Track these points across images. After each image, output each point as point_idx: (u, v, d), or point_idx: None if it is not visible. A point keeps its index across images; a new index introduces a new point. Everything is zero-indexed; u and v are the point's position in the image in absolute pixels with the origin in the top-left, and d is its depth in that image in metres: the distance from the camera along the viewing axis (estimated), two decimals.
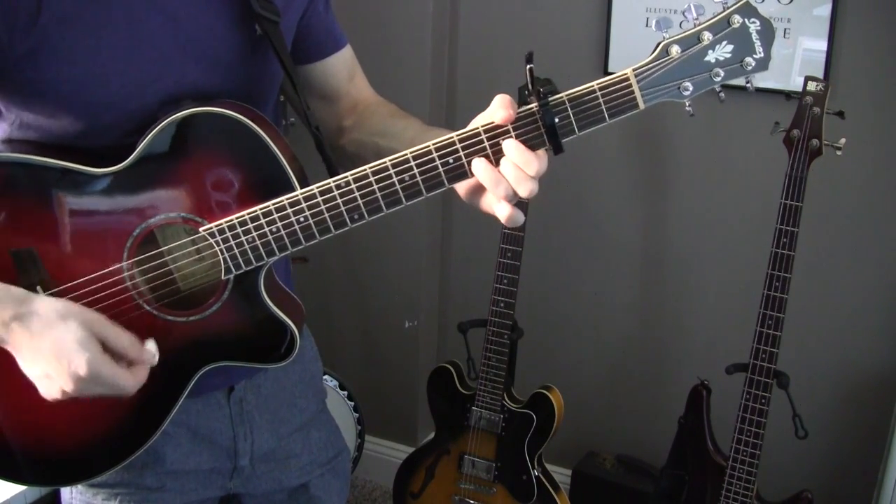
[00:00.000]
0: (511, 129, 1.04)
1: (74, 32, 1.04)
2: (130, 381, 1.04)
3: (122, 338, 1.05)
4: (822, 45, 2.04)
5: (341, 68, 1.35)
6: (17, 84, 1.06)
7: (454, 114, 2.60)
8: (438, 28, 2.50)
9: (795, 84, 1.99)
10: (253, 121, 1.07)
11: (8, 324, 1.01)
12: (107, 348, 1.03)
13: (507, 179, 1.04)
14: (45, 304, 1.03)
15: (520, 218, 1.07)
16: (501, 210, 1.06)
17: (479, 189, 1.09)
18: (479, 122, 1.06)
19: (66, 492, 1.32)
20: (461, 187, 1.11)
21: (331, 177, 1.08)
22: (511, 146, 1.04)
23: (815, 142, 1.78)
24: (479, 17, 2.50)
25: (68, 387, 1.02)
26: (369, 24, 2.53)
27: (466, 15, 2.52)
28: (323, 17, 1.29)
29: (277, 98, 1.30)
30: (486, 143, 1.05)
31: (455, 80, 2.58)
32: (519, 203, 1.07)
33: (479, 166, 1.05)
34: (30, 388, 1.09)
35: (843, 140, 1.80)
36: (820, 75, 2.04)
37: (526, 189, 1.04)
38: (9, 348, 1.03)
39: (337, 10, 1.35)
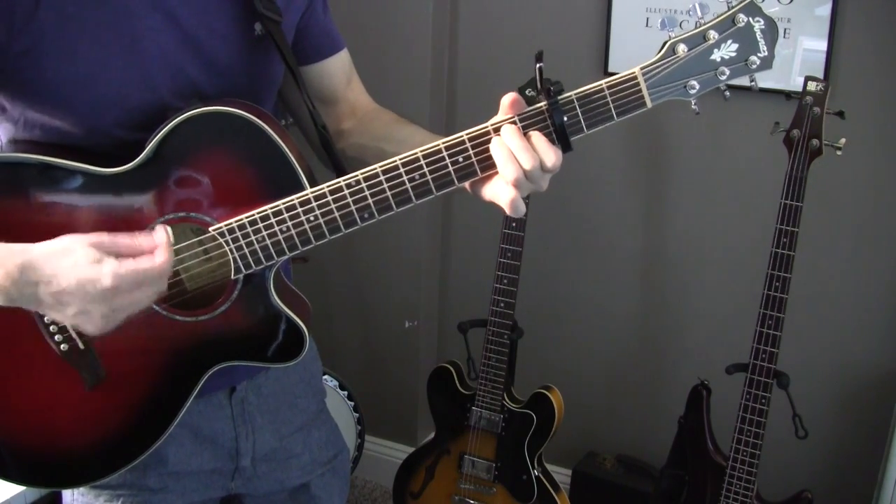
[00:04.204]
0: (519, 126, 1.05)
1: (73, 30, 1.04)
2: (156, 263, 1.02)
3: (126, 238, 1.02)
4: (822, 45, 2.04)
5: (339, 71, 1.35)
6: (18, 83, 1.06)
7: (454, 114, 2.60)
8: (438, 28, 2.50)
9: (795, 84, 1.99)
10: (261, 119, 1.07)
11: (20, 285, 0.99)
12: (120, 255, 1.01)
13: (520, 164, 1.03)
14: (43, 248, 1.00)
15: (522, 207, 1.05)
16: (506, 194, 1.04)
17: (483, 178, 1.09)
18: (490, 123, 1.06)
19: (67, 493, 1.31)
20: None
21: (338, 176, 1.08)
22: (536, 136, 1.03)
23: (815, 142, 1.79)
24: (479, 18, 2.50)
25: (106, 307, 1.00)
26: (369, 24, 2.53)
27: (466, 15, 2.52)
28: (321, 18, 1.29)
29: (276, 100, 1.30)
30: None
31: (455, 81, 2.58)
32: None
33: (496, 144, 1.04)
34: (39, 391, 1.09)
35: (843, 140, 1.80)
36: (820, 75, 2.04)
37: (540, 181, 1.04)
38: (31, 307, 1.02)
39: (337, 11, 1.35)
